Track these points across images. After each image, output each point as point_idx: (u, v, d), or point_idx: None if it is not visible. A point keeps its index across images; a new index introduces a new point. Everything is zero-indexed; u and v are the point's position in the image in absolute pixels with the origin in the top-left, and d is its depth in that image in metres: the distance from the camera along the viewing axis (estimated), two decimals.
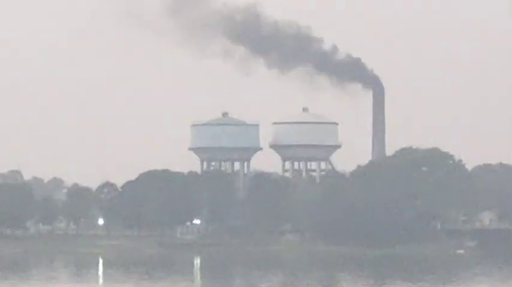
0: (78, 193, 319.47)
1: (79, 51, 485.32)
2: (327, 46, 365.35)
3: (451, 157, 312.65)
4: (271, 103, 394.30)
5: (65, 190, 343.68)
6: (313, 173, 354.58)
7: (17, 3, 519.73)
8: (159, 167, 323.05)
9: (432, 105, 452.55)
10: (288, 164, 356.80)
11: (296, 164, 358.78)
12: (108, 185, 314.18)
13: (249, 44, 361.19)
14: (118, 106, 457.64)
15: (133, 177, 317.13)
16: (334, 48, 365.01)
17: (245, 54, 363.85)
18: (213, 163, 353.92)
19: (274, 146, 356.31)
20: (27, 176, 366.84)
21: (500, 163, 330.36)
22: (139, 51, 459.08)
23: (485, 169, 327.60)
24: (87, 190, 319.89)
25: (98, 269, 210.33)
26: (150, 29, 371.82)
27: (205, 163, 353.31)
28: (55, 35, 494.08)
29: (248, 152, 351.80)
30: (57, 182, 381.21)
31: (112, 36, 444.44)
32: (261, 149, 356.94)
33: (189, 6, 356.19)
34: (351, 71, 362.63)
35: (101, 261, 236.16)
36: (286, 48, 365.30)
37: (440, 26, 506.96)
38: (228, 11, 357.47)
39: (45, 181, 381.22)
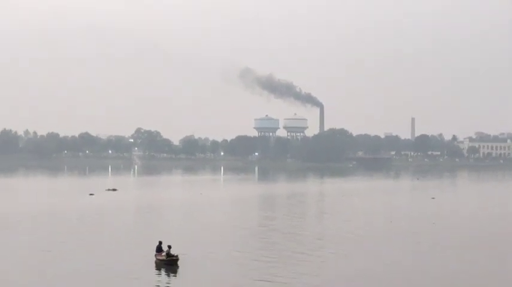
0: (215, 144, 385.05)
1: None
2: (297, 89, 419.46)
3: (346, 131, 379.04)
4: (282, 112, 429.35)
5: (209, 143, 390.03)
6: (298, 137, 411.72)
7: None
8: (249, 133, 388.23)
9: (346, 111, 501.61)
10: (289, 134, 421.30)
11: (293, 134, 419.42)
12: (225, 141, 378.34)
13: (267, 89, 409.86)
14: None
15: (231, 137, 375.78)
16: (300, 89, 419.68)
17: (266, 93, 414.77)
18: (261, 132, 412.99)
19: (286, 127, 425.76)
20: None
21: (365, 134, 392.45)
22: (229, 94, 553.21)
23: (362, 135, 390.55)
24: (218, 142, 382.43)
25: (221, 170, 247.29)
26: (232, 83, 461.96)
27: (260, 133, 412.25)
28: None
29: (274, 129, 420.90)
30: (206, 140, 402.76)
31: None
32: (279, 128, 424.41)
33: (244, 75, 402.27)
34: (307, 99, 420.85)
35: (222, 167, 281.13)
36: (282, 90, 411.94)
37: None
38: (259, 76, 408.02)
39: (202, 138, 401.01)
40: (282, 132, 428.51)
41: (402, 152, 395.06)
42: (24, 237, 50.63)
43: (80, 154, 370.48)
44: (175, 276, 36.20)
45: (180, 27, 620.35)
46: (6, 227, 57.47)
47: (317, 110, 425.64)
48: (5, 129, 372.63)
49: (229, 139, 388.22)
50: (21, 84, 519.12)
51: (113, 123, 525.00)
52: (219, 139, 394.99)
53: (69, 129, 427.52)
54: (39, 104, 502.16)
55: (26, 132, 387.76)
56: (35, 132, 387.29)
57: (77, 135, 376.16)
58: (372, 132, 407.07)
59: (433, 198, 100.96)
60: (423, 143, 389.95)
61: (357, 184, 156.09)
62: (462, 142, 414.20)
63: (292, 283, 34.35)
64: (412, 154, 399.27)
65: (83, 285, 33.64)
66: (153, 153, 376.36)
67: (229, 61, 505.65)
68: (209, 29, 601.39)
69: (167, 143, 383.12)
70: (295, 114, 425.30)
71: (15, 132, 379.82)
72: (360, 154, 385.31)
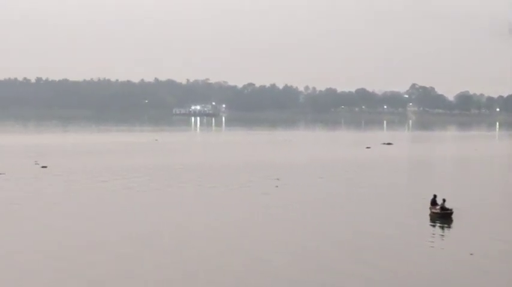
0: (490, 100, 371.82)
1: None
2: None
3: None
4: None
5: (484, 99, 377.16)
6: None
7: None
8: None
9: None
10: None
11: None
12: (500, 98, 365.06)
13: None
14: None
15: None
16: None
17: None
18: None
19: None
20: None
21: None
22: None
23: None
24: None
25: (496, 126, 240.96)
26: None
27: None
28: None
29: None
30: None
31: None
32: None
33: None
34: None
35: (497, 123, 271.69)
36: None
37: None
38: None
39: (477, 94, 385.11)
40: None
41: None
42: (304, 187, 51.87)
43: (356, 108, 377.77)
44: (449, 229, 36.09)
45: None
46: (295, 172, 59.77)
47: None
48: (286, 85, 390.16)
49: (505, 95, 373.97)
50: (297, 43, 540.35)
51: (389, 79, 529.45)
52: (495, 95, 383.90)
53: (346, 85, 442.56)
54: (318, 61, 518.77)
55: (306, 87, 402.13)
56: (314, 88, 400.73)
57: (353, 91, 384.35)
58: None
59: None
60: None
61: None
62: None
63: None
64: None
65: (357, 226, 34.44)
66: (427, 108, 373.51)
67: (500, 15, 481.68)
68: None
69: (441, 98, 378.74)
70: None
71: (296, 87, 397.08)
72: None
